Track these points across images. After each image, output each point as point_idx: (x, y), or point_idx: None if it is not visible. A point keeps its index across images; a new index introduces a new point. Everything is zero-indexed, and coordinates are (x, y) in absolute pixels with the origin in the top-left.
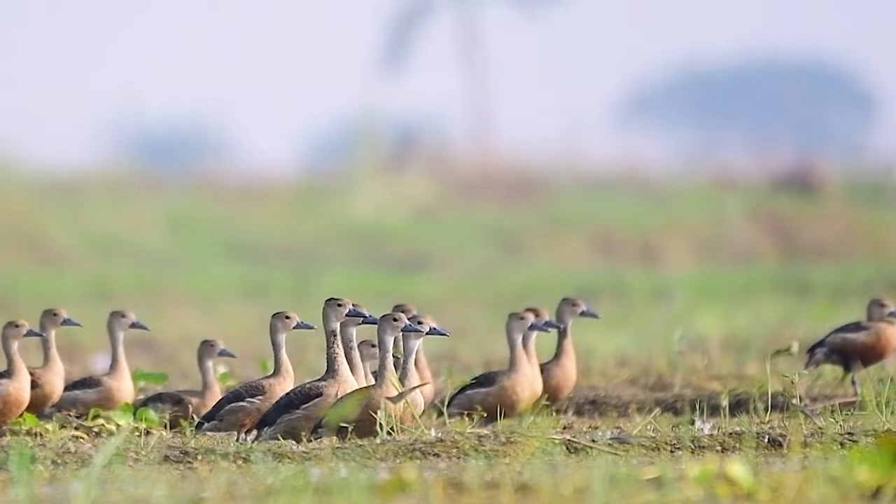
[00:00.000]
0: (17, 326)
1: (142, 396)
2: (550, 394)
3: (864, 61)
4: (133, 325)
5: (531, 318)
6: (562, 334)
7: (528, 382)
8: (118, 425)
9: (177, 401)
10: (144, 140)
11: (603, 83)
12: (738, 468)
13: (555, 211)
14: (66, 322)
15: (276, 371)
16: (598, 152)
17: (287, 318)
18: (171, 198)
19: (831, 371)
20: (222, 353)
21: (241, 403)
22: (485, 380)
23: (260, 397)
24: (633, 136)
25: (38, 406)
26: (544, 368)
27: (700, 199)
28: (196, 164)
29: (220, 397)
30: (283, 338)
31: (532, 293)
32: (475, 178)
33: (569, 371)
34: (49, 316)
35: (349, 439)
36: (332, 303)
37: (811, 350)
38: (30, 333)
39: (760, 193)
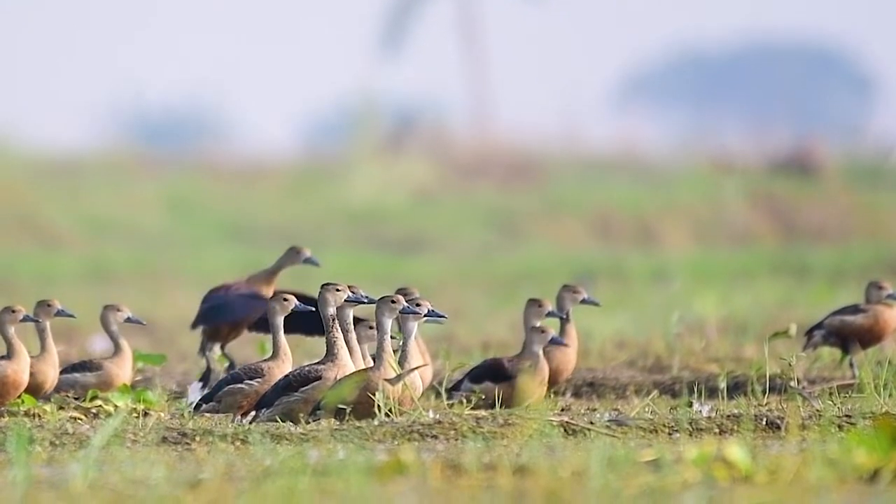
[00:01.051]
0: (13, 312)
1: (139, 378)
2: (550, 377)
3: (864, 43)
4: (128, 320)
5: (551, 332)
6: (564, 320)
7: (541, 383)
8: (116, 406)
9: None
10: (143, 122)
11: (601, 66)
12: (735, 451)
13: (553, 193)
14: (60, 313)
15: (275, 354)
16: (596, 135)
17: (285, 300)
18: (170, 179)
19: (829, 353)
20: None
21: (239, 385)
22: (499, 374)
23: (259, 380)
24: (631, 119)
25: (30, 394)
26: (545, 351)
27: (698, 181)
28: (194, 145)
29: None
30: (281, 320)
31: (530, 275)
32: (474, 161)
33: (569, 355)
34: (43, 307)
35: (347, 421)
36: (331, 287)
37: (809, 332)
38: (26, 319)
39: (759, 176)
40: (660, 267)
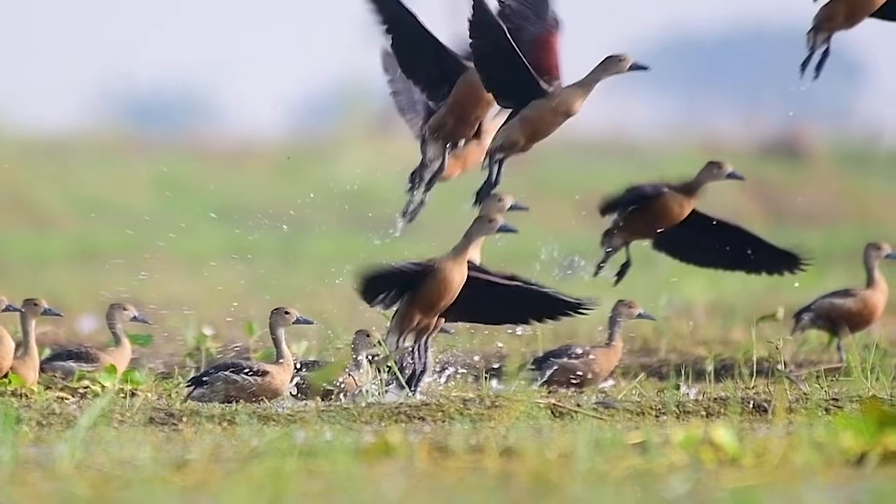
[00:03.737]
0: None
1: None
2: (589, 377)
3: (853, 29)
4: (134, 319)
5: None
6: (616, 330)
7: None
8: (103, 387)
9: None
10: (133, 103)
11: (590, 48)
12: (722, 433)
13: (542, 175)
14: (47, 312)
15: (279, 361)
16: (585, 117)
17: (287, 313)
18: (159, 160)
19: (816, 337)
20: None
21: (234, 377)
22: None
23: (256, 378)
24: (621, 102)
25: None
26: (591, 351)
27: (687, 165)
28: (184, 126)
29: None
30: (282, 332)
31: (519, 257)
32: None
33: (612, 362)
34: (29, 306)
35: (334, 402)
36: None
37: (798, 315)
38: (8, 309)
39: (748, 160)
40: (647, 250)
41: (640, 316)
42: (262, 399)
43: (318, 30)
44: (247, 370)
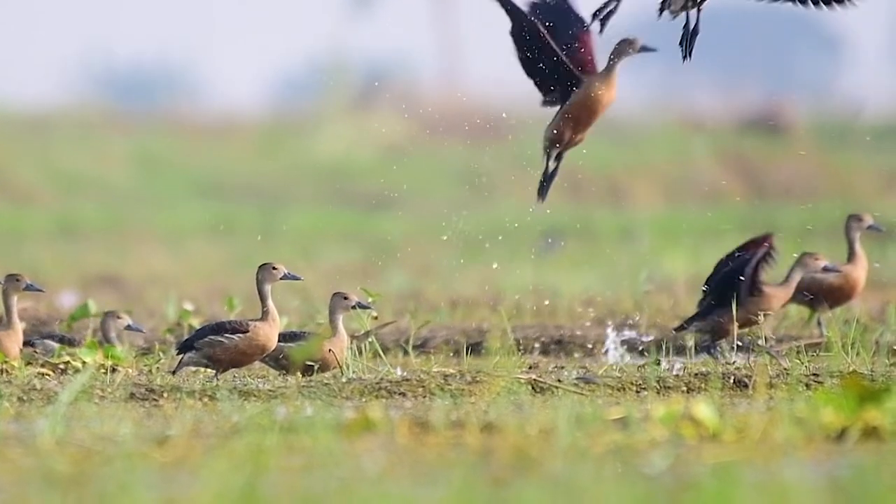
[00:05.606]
0: None
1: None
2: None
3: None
4: (128, 328)
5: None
6: (793, 276)
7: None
8: (84, 362)
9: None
10: (113, 78)
11: None
12: (703, 409)
13: (522, 151)
14: (29, 287)
15: (264, 317)
16: None
17: (274, 269)
18: (139, 136)
19: (797, 312)
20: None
21: (219, 338)
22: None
23: (240, 335)
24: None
25: None
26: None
27: (667, 140)
28: (164, 102)
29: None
30: (269, 288)
31: (499, 233)
32: (443, 118)
33: (776, 304)
34: (11, 281)
35: (314, 378)
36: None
37: None
38: None
39: (728, 135)
40: (628, 225)
41: (825, 269)
42: (252, 357)
43: (298, 5)
44: (229, 329)
